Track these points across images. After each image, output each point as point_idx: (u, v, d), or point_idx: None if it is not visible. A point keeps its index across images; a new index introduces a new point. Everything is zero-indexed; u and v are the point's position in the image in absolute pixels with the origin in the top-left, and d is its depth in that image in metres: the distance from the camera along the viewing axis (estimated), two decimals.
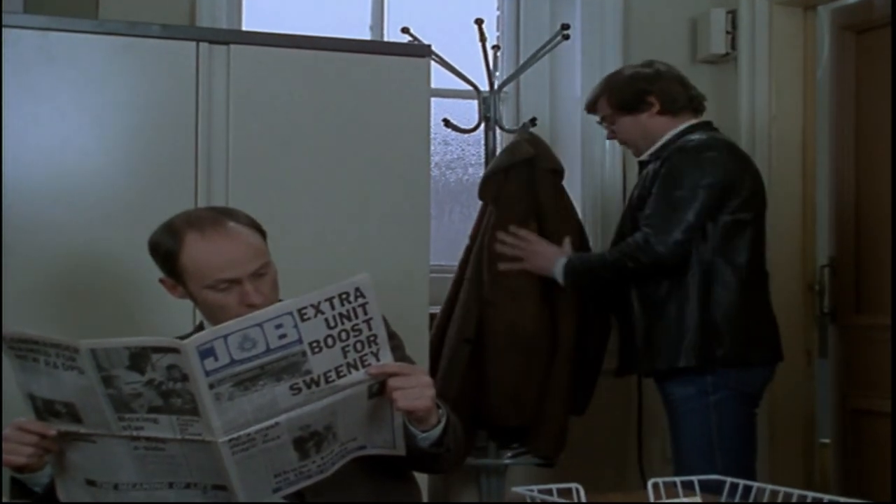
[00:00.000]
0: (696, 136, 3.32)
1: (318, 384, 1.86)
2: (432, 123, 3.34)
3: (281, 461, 1.89)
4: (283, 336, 1.81)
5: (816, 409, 4.21)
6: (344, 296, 1.85)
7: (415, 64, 3.24)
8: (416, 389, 1.97)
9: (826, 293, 4.12)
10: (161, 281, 2.26)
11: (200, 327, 2.30)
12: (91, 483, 1.93)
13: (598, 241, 4.01)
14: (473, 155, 4.32)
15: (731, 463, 3.07)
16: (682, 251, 3.18)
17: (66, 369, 1.82)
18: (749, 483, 1.90)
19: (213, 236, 2.17)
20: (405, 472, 2.33)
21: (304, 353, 1.83)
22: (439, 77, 3.63)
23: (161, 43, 3.02)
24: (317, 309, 1.83)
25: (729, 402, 3.23)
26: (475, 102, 3.86)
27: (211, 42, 3.07)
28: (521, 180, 3.59)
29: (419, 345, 3.09)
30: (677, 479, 1.99)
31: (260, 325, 1.80)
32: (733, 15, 4.21)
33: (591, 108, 3.54)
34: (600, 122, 3.56)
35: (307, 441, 1.90)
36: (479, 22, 3.78)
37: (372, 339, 1.89)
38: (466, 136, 4.04)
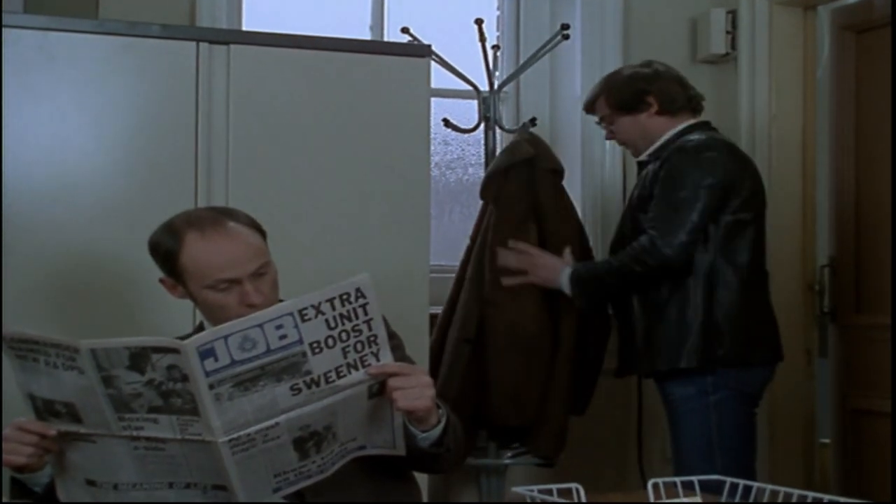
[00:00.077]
0: (695, 137, 3.32)
1: (318, 384, 1.86)
2: (432, 123, 3.34)
3: (281, 461, 1.89)
4: (283, 336, 1.81)
5: (816, 409, 4.21)
6: (345, 296, 1.85)
7: (415, 64, 3.24)
8: (417, 389, 1.97)
9: (826, 293, 4.12)
10: (161, 281, 2.26)
11: (200, 327, 2.30)
12: (91, 483, 1.93)
13: (599, 240, 4.01)
14: (473, 155, 4.32)
15: (730, 463, 3.07)
16: (689, 252, 3.18)
17: (67, 369, 1.82)
18: (749, 483, 1.90)
19: (213, 236, 2.17)
20: (405, 472, 2.33)
21: (304, 354, 1.83)
22: (439, 77, 3.63)
23: (161, 43, 3.02)
24: (317, 310, 1.83)
25: (729, 402, 3.23)
26: (475, 102, 3.86)
27: (211, 42, 3.07)
28: (521, 180, 3.58)
29: (419, 345, 3.09)
30: (677, 480, 1.99)
31: (260, 325, 1.80)
32: (733, 15, 4.21)
33: (590, 108, 3.54)
34: (599, 123, 3.56)
35: (307, 441, 1.89)
36: (479, 22, 3.78)
37: (372, 339, 1.89)
38: (466, 136, 4.04)
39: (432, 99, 3.32)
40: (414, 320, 3.08)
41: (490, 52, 3.82)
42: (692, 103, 3.42)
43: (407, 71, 3.22)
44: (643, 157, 3.40)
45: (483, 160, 3.87)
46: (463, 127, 3.91)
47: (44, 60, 2.91)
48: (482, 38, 3.78)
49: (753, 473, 3.26)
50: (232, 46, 3.08)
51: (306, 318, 1.82)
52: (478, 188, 3.70)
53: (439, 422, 2.09)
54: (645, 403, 3.65)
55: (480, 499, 3.85)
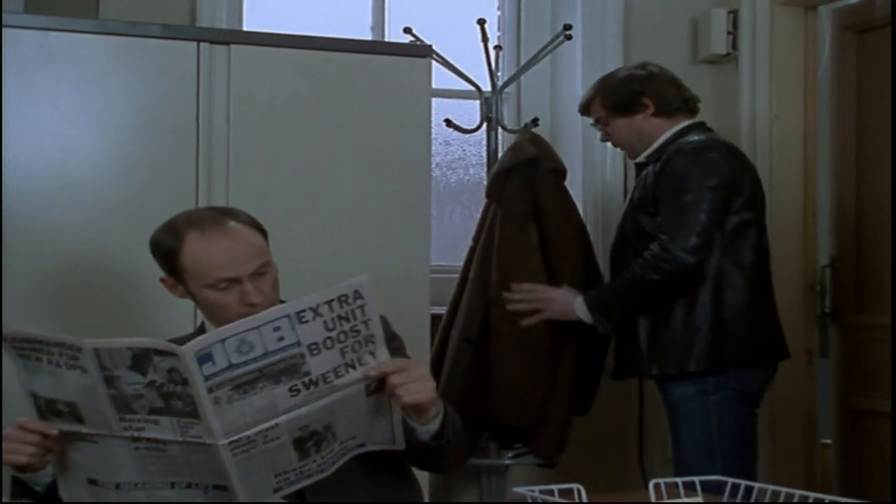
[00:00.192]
0: (693, 138, 3.32)
1: (316, 385, 1.86)
2: (433, 123, 3.34)
3: (281, 461, 1.89)
4: (281, 339, 1.81)
5: (817, 410, 4.21)
6: (343, 298, 1.84)
7: (416, 64, 3.24)
8: (417, 384, 1.97)
9: (827, 293, 4.12)
10: (162, 280, 2.26)
11: (201, 328, 2.30)
12: (93, 482, 1.93)
13: (599, 241, 4.01)
14: (475, 155, 4.32)
15: (731, 463, 3.07)
16: (702, 253, 3.16)
17: (69, 368, 1.82)
18: (750, 483, 1.90)
19: (213, 235, 2.17)
20: (405, 470, 2.33)
21: (302, 356, 1.83)
22: (441, 77, 3.63)
23: (161, 43, 3.02)
24: (315, 312, 1.83)
25: (729, 403, 3.22)
26: (477, 103, 3.86)
27: (211, 42, 3.07)
28: (523, 180, 3.58)
29: (420, 345, 3.09)
30: (679, 480, 1.99)
31: (258, 328, 1.80)
32: (734, 15, 4.21)
33: (585, 109, 3.53)
34: (594, 124, 3.55)
35: (307, 441, 1.89)
36: (480, 22, 3.79)
37: (369, 338, 1.89)
38: (468, 136, 4.04)
39: (434, 99, 3.32)
40: (415, 320, 3.08)
41: (492, 53, 3.82)
42: (688, 104, 3.42)
43: (408, 71, 3.22)
44: (641, 158, 3.39)
45: (485, 160, 3.88)
46: (464, 127, 3.92)
47: (44, 60, 2.91)
48: (484, 39, 3.78)
49: (754, 474, 3.26)
50: (232, 46, 3.08)
51: (304, 320, 1.82)
52: (479, 188, 3.71)
53: (438, 413, 2.09)
54: (646, 404, 3.65)
55: (481, 499, 3.85)
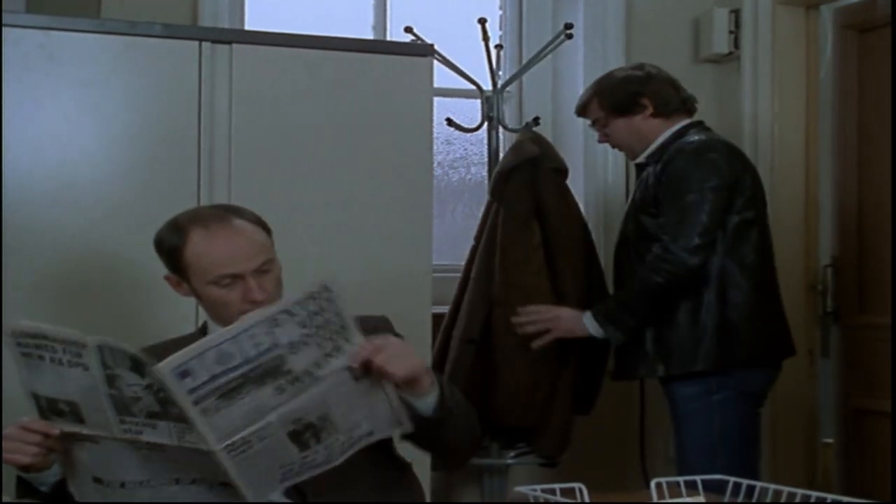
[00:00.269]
0: (693, 138, 3.31)
1: (300, 380, 1.85)
2: (435, 123, 3.34)
3: (282, 455, 1.89)
4: (258, 344, 1.81)
5: (819, 409, 4.21)
6: (312, 294, 1.85)
7: (418, 63, 3.24)
8: (401, 357, 1.95)
9: (829, 293, 4.12)
10: (166, 278, 2.26)
11: (204, 327, 2.30)
12: (97, 481, 1.93)
13: (601, 240, 4.00)
14: (476, 154, 4.32)
15: (734, 462, 3.06)
16: (705, 254, 3.15)
17: (72, 366, 1.82)
18: (752, 483, 1.90)
19: (217, 232, 2.17)
20: (407, 470, 2.33)
21: (282, 357, 1.83)
22: (442, 76, 3.63)
23: (163, 42, 3.02)
24: (288, 313, 1.83)
25: (733, 402, 3.22)
26: (478, 102, 3.86)
27: (213, 41, 3.07)
28: (525, 180, 3.58)
29: (421, 345, 3.09)
30: (680, 479, 1.99)
31: (234, 338, 1.79)
32: (736, 14, 4.21)
33: (582, 111, 3.52)
34: (591, 126, 3.54)
35: (303, 433, 1.89)
36: (482, 21, 3.79)
37: (343, 326, 1.89)
38: (469, 135, 4.04)
39: (435, 98, 3.32)
40: (416, 320, 3.08)
41: (493, 52, 3.82)
42: (686, 104, 3.41)
43: (410, 70, 3.22)
44: (641, 159, 3.39)
45: (486, 160, 3.87)
46: (466, 126, 3.91)
47: (45, 60, 2.91)
48: (485, 38, 3.78)
49: (757, 474, 3.26)
50: (234, 46, 3.08)
51: (278, 323, 1.82)
52: (481, 188, 3.71)
53: (433, 383, 2.07)
54: (647, 403, 3.65)
55: (483, 498, 3.85)
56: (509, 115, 4.17)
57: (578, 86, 4.13)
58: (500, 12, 4.37)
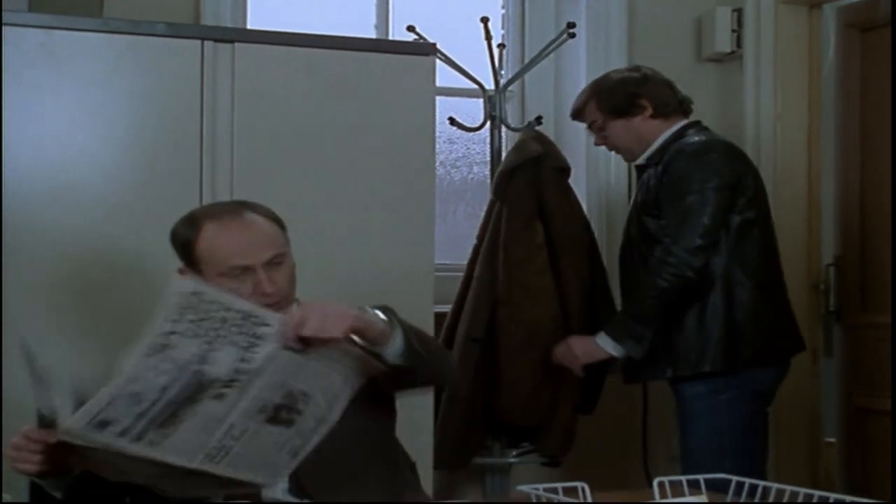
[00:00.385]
0: (693, 139, 3.30)
1: (236, 380, 1.79)
2: (437, 122, 3.34)
3: (271, 440, 1.86)
4: (164, 372, 1.73)
5: (821, 408, 4.21)
6: (184, 307, 1.75)
7: (420, 62, 3.24)
8: (329, 316, 1.89)
9: (831, 292, 4.12)
10: (179, 271, 2.26)
11: None
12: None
13: (603, 240, 4.00)
14: (478, 153, 4.32)
15: (741, 462, 3.04)
16: (706, 255, 3.15)
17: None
18: (755, 482, 1.89)
19: (229, 224, 2.19)
20: (410, 469, 2.33)
21: (199, 371, 1.76)
22: (444, 75, 3.63)
23: (166, 41, 3.02)
24: (172, 334, 1.74)
25: (740, 401, 3.21)
26: (480, 101, 3.86)
27: (216, 40, 3.06)
28: (528, 179, 3.58)
29: None
30: (683, 478, 1.99)
31: (135, 380, 1.72)
32: (739, 13, 4.21)
33: (579, 114, 3.51)
34: (588, 129, 3.54)
35: (277, 414, 1.85)
36: (484, 20, 3.78)
37: (245, 315, 1.80)
38: (471, 134, 4.03)
39: (437, 97, 3.32)
40: (418, 319, 3.04)
41: (495, 51, 3.82)
42: (683, 106, 3.41)
43: (412, 69, 3.22)
44: (641, 160, 3.38)
45: (488, 159, 3.87)
46: (468, 125, 3.91)
47: (47, 59, 2.91)
48: (488, 37, 3.78)
49: (763, 474, 3.24)
50: (237, 45, 3.07)
51: (170, 346, 1.73)
52: (483, 187, 3.70)
53: (391, 331, 2.02)
54: (650, 403, 3.65)
55: (485, 497, 3.85)
56: (512, 114, 4.17)
57: (581, 85, 4.12)
58: (503, 11, 4.36)
